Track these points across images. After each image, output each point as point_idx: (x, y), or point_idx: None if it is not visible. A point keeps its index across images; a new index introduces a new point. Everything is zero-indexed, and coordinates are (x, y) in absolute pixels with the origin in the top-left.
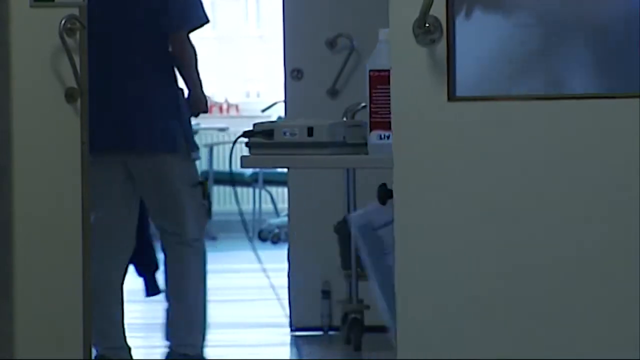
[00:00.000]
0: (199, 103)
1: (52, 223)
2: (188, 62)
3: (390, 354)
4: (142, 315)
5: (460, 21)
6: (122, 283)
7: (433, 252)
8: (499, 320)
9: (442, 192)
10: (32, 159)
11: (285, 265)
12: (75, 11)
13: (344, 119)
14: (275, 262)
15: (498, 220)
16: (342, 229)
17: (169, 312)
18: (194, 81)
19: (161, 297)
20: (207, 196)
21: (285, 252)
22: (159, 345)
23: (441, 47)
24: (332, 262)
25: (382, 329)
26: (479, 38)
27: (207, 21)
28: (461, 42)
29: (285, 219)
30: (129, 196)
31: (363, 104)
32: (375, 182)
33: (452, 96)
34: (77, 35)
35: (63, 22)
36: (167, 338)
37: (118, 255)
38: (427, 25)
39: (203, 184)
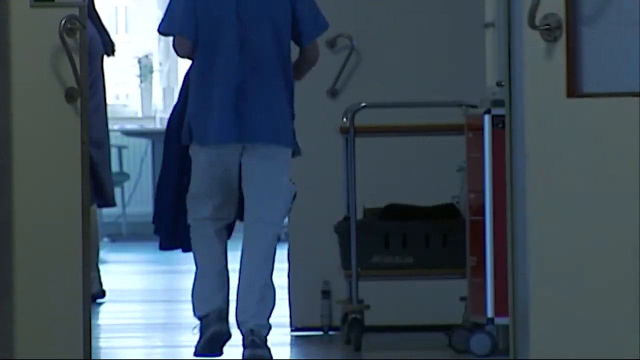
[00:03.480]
0: None
1: (52, 223)
2: (313, 65)
3: (390, 354)
4: (142, 315)
5: (583, 18)
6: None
7: (563, 249)
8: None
9: (569, 187)
10: (32, 158)
11: (285, 265)
12: (75, 11)
13: (344, 119)
14: (275, 262)
15: (624, 218)
16: (342, 229)
17: (239, 291)
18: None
19: (162, 297)
20: (294, 198)
21: (285, 252)
22: (159, 345)
23: (562, 44)
24: (332, 262)
25: (382, 329)
26: (602, 35)
27: (328, 26)
28: (584, 39)
29: (285, 219)
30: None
31: (363, 104)
32: (374, 183)
33: (573, 92)
34: (77, 35)
35: (63, 22)
36: (237, 315)
37: (222, 237)
38: (548, 23)
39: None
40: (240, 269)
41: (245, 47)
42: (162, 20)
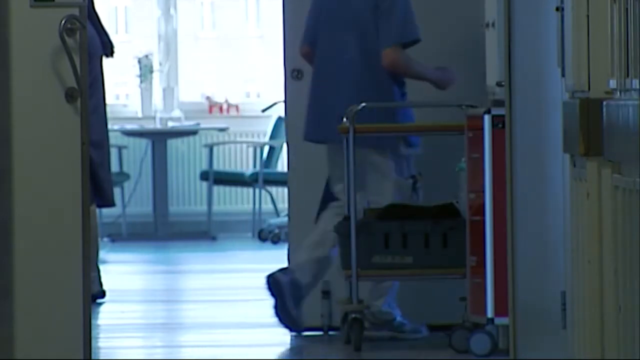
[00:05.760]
0: (446, 83)
1: (52, 223)
2: (400, 71)
3: (390, 354)
4: (142, 315)
5: None
6: None
7: None
8: None
9: None
10: (32, 159)
11: (286, 265)
12: (75, 11)
13: (344, 119)
14: (275, 262)
15: None
16: (342, 229)
17: None
18: (423, 78)
19: (162, 297)
20: (416, 189)
21: (285, 252)
22: (159, 345)
23: None
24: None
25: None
26: None
27: (419, 39)
28: None
29: (285, 219)
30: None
31: (363, 104)
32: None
33: None
34: (77, 35)
35: (63, 22)
36: None
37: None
38: None
39: (415, 178)
40: None
41: (336, 52)
42: None
